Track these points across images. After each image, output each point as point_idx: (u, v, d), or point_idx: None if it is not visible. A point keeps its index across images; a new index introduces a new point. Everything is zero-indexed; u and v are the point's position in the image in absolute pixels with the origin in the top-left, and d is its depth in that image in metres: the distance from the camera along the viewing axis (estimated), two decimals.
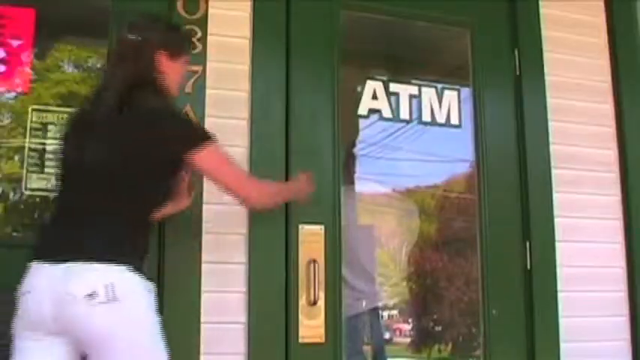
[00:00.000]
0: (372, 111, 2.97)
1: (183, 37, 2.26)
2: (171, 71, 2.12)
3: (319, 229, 2.64)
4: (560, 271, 2.86)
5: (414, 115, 3.01)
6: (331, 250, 2.64)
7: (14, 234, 2.75)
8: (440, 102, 3.02)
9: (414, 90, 3.02)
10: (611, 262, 2.98)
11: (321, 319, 2.58)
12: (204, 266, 2.46)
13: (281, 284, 2.56)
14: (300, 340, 2.54)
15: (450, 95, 3.05)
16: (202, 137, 2.03)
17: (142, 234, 1.98)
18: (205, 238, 2.48)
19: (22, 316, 1.89)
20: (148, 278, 1.94)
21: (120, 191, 1.93)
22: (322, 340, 2.57)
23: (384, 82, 3.00)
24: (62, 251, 1.86)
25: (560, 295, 2.84)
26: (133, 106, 1.96)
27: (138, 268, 1.89)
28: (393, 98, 2.98)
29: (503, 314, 2.82)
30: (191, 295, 2.43)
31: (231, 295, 2.50)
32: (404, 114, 2.99)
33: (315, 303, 2.55)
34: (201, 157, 2.00)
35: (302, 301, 2.55)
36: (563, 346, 2.80)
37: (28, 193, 2.58)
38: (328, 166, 2.72)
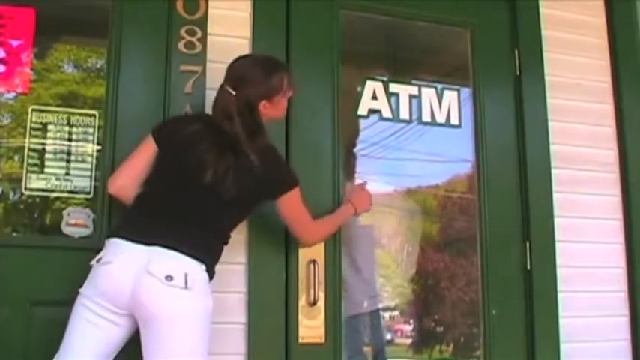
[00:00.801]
0: (372, 111, 2.97)
1: (281, 76, 2.31)
2: (271, 109, 2.30)
3: None
4: (560, 271, 2.86)
5: (414, 116, 3.01)
6: (331, 250, 2.64)
7: (14, 234, 2.75)
8: (440, 102, 3.02)
9: (414, 90, 3.01)
10: (611, 262, 2.98)
11: (321, 319, 2.58)
12: None
13: (281, 284, 2.56)
14: (300, 340, 2.55)
15: (450, 95, 3.05)
16: (292, 184, 2.29)
17: (220, 244, 2.22)
18: None
19: (96, 283, 2.06)
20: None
21: (218, 206, 2.17)
22: (322, 340, 2.57)
23: (384, 82, 2.99)
24: (150, 236, 2.06)
25: (560, 295, 2.84)
26: (254, 146, 2.20)
27: (209, 271, 2.12)
28: (393, 98, 2.98)
29: (503, 314, 2.82)
30: None
31: (231, 295, 2.50)
32: (404, 114, 2.99)
33: (315, 303, 2.55)
34: (285, 201, 2.29)
35: (302, 301, 2.56)
36: (563, 346, 2.80)
37: (28, 193, 2.58)
38: (328, 166, 2.72)
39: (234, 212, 2.26)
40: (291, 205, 2.30)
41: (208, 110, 2.54)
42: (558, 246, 2.88)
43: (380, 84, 2.98)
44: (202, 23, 2.63)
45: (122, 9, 2.59)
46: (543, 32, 3.05)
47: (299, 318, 2.55)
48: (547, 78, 3.01)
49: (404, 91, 3.00)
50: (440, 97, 3.03)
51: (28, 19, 2.61)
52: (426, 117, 3.00)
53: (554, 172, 2.94)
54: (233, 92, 2.22)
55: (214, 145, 2.18)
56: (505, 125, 2.98)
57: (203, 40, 2.62)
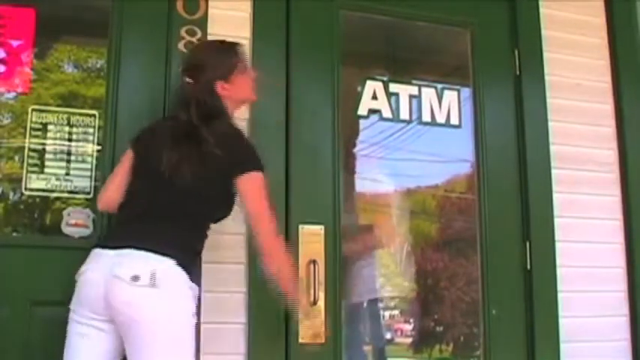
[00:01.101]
0: (372, 111, 2.97)
1: (230, 54, 2.30)
2: (234, 89, 2.26)
3: (319, 229, 2.64)
4: (560, 271, 2.86)
5: (414, 116, 3.01)
6: (331, 250, 2.63)
7: (14, 234, 2.74)
8: (440, 102, 3.02)
9: (414, 90, 3.01)
10: (611, 262, 2.98)
11: (321, 319, 2.58)
12: (204, 266, 2.45)
13: None
14: (300, 340, 2.55)
15: (450, 95, 3.05)
16: (254, 166, 2.18)
17: (195, 237, 2.18)
18: None
19: (78, 294, 2.08)
20: (195, 280, 2.10)
21: (183, 198, 2.12)
22: (322, 340, 2.57)
23: (384, 82, 2.99)
24: (120, 239, 2.08)
25: (560, 295, 2.84)
26: (210, 131, 2.15)
27: (185, 266, 2.06)
28: (393, 98, 2.98)
29: (503, 314, 2.82)
30: None
31: (231, 295, 2.50)
32: (404, 114, 2.99)
33: (315, 303, 2.55)
34: (244, 181, 2.16)
35: (302, 301, 2.55)
36: (563, 346, 2.80)
37: (28, 193, 2.58)
38: (328, 166, 2.72)
39: (202, 203, 2.17)
40: (250, 186, 2.17)
41: None
42: (558, 246, 2.88)
43: (380, 84, 2.98)
44: (202, 23, 2.63)
45: (122, 9, 2.59)
46: (543, 32, 3.05)
47: (299, 318, 2.55)
48: (547, 78, 3.01)
49: (404, 91, 3.00)
50: (440, 97, 3.03)
51: (28, 19, 2.61)
52: (426, 117, 3.00)
53: (554, 172, 2.94)
54: (190, 80, 2.23)
55: (170, 136, 2.18)
56: (505, 125, 2.98)
57: (203, 40, 2.61)
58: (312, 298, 2.54)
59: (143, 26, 2.60)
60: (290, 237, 2.57)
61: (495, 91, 3.02)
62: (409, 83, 3.04)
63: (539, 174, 2.94)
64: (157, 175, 2.13)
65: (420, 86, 3.03)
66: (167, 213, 2.12)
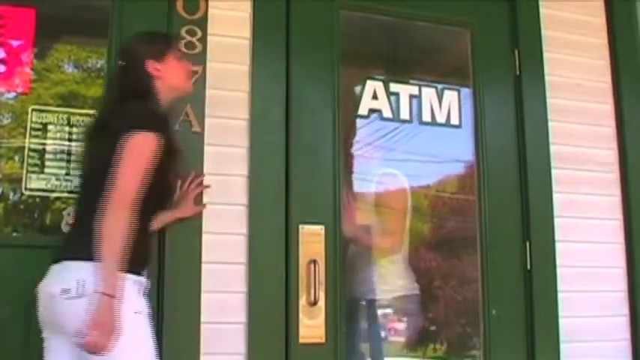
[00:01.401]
0: (372, 111, 2.97)
1: (164, 38, 2.28)
2: (166, 71, 2.16)
3: (319, 229, 2.64)
4: (560, 271, 2.86)
5: (414, 115, 3.01)
6: (331, 250, 2.63)
7: (14, 234, 2.75)
8: (440, 102, 3.02)
9: (414, 90, 3.01)
10: (611, 262, 2.98)
11: (321, 319, 2.58)
12: (204, 266, 2.46)
13: (281, 284, 2.56)
14: (300, 340, 2.54)
15: (450, 95, 3.05)
16: (132, 125, 1.95)
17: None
18: (205, 238, 2.48)
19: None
20: (132, 267, 1.93)
21: (99, 194, 1.91)
22: (322, 340, 2.57)
23: (384, 82, 3.00)
24: (57, 254, 1.98)
25: (560, 295, 2.84)
26: (119, 106, 2.07)
27: (127, 268, 1.90)
28: (393, 98, 2.98)
29: (503, 314, 2.82)
30: (191, 295, 2.43)
31: (231, 295, 2.50)
32: (404, 114, 2.99)
33: (315, 303, 2.55)
34: (123, 143, 1.92)
35: (302, 301, 2.55)
36: (563, 346, 2.80)
37: (28, 193, 2.58)
38: (328, 166, 2.72)
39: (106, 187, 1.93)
40: (124, 149, 1.91)
41: (208, 110, 2.55)
42: (558, 246, 2.88)
43: (380, 84, 2.98)
44: (202, 23, 2.63)
45: (122, 9, 2.58)
46: (543, 32, 3.05)
47: (299, 318, 2.55)
48: (547, 78, 3.01)
49: (404, 90, 3.00)
50: (440, 97, 3.03)
51: (28, 19, 2.61)
52: (426, 117, 3.00)
53: (554, 172, 2.94)
54: (122, 63, 2.19)
55: (86, 133, 2.16)
56: (505, 125, 2.98)
57: (203, 40, 2.61)
58: (312, 298, 2.54)
59: (143, 26, 2.58)
60: (290, 237, 2.56)
61: (495, 91, 3.02)
62: (409, 83, 3.04)
63: (539, 174, 2.94)
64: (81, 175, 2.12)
65: (420, 86, 3.03)
66: (92, 214, 1.90)
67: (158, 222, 2.28)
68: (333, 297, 2.61)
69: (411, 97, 3.00)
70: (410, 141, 3.22)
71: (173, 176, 2.21)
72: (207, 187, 2.49)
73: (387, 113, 2.97)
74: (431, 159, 3.41)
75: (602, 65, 3.14)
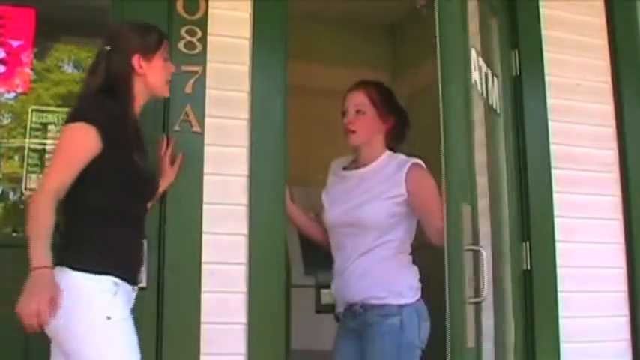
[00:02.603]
0: None
1: (157, 34, 2.15)
2: (149, 71, 2.09)
3: None
4: (560, 271, 2.86)
5: None
6: None
7: (14, 234, 2.75)
8: None
9: None
10: (611, 262, 2.98)
11: None
12: (204, 266, 2.46)
13: (281, 284, 2.56)
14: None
15: None
16: (72, 116, 1.96)
17: (86, 225, 1.94)
18: (205, 238, 2.48)
19: None
20: (111, 273, 1.90)
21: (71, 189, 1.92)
22: None
23: None
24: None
25: (560, 295, 2.84)
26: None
27: (80, 260, 1.88)
28: None
29: None
30: (191, 295, 2.42)
31: (231, 295, 2.50)
32: None
33: None
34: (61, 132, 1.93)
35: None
36: (563, 346, 2.80)
37: (28, 193, 2.58)
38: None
39: (80, 184, 1.92)
40: (60, 139, 1.97)
41: (208, 110, 2.55)
42: (558, 246, 2.88)
43: None
44: (202, 23, 2.63)
45: (122, 9, 2.58)
46: (543, 32, 3.05)
47: None
48: (547, 78, 3.01)
49: None
50: None
51: (28, 19, 2.61)
52: None
53: (554, 172, 2.94)
54: (108, 48, 2.06)
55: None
56: (505, 125, 2.98)
57: (203, 40, 2.61)
58: None
59: None
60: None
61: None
62: None
63: (539, 174, 2.93)
64: None
65: None
66: (70, 214, 1.95)
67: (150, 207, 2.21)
68: None
69: None
70: None
71: (147, 172, 2.08)
72: (175, 141, 2.45)
73: None
74: None
75: (602, 65, 3.14)
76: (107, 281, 1.89)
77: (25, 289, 1.81)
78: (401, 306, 2.28)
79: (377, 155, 2.43)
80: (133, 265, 2.03)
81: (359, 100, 2.44)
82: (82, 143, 1.91)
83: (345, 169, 2.52)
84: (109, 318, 1.86)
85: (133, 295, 2.02)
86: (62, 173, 1.89)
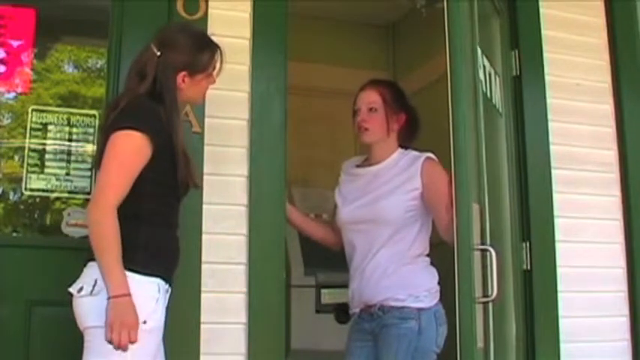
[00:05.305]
0: None
1: (211, 53, 2.12)
2: (190, 87, 2.08)
3: None
4: (560, 271, 2.86)
5: None
6: None
7: (14, 234, 2.75)
8: None
9: None
10: (611, 262, 2.98)
11: None
12: (204, 266, 2.46)
13: (281, 284, 2.56)
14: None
15: None
16: (118, 124, 1.92)
17: (134, 228, 1.91)
18: (205, 238, 2.48)
19: None
20: (158, 275, 1.93)
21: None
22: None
23: None
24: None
25: (560, 295, 2.84)
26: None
27: (136, 266, 1.87)
28: None
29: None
30: (191, 295, 2.42)
31: (231, 295, 2.50)
32: None
33: None
34: (109, 140, 1.91)
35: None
36: (563, 346, 2.80)
37: (28, 193, 2.58)
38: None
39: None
40: (108, 147, 1.90)
41: (208, 110, 2.55)
42: (558, 246, 2.88)
43: None
44: (202, 23, 2.62)
45: (122, 9, 2.58)
46: (543, 32, 3.05)
47: None
48: (547, 78, 3.01)
49: None
50: None
51: (28, 19, 2.61)
52: None
53: (554, 172, 2.94)
54: (157, 52, 2.03)
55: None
56: (505, 125, 2.98)
57: None
58: None
59: (143, 26, 2.59)
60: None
61: None
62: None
63: (539, 174, 2.93)
64: None
65: None
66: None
67: None
68: None
69: None
70: None
71: (185, 177, 2.05)
72: None
73: None
74: None
75: (602, 65, 3.14)
76: (153, 284, 1.91)
77: (109, 318, 1.79)
78: (420, 309, 2.27)
79: (389, 152, 2.44)
80: (174, 266, 2.05)
81: (372, 98, 2.45)
82: (138, 152, 1.90)
83: (357, 167, 2.53)
84: (144, 322, 1.85)
85: (168, 295, 2.03)
86: (120, 186, 1.87)
